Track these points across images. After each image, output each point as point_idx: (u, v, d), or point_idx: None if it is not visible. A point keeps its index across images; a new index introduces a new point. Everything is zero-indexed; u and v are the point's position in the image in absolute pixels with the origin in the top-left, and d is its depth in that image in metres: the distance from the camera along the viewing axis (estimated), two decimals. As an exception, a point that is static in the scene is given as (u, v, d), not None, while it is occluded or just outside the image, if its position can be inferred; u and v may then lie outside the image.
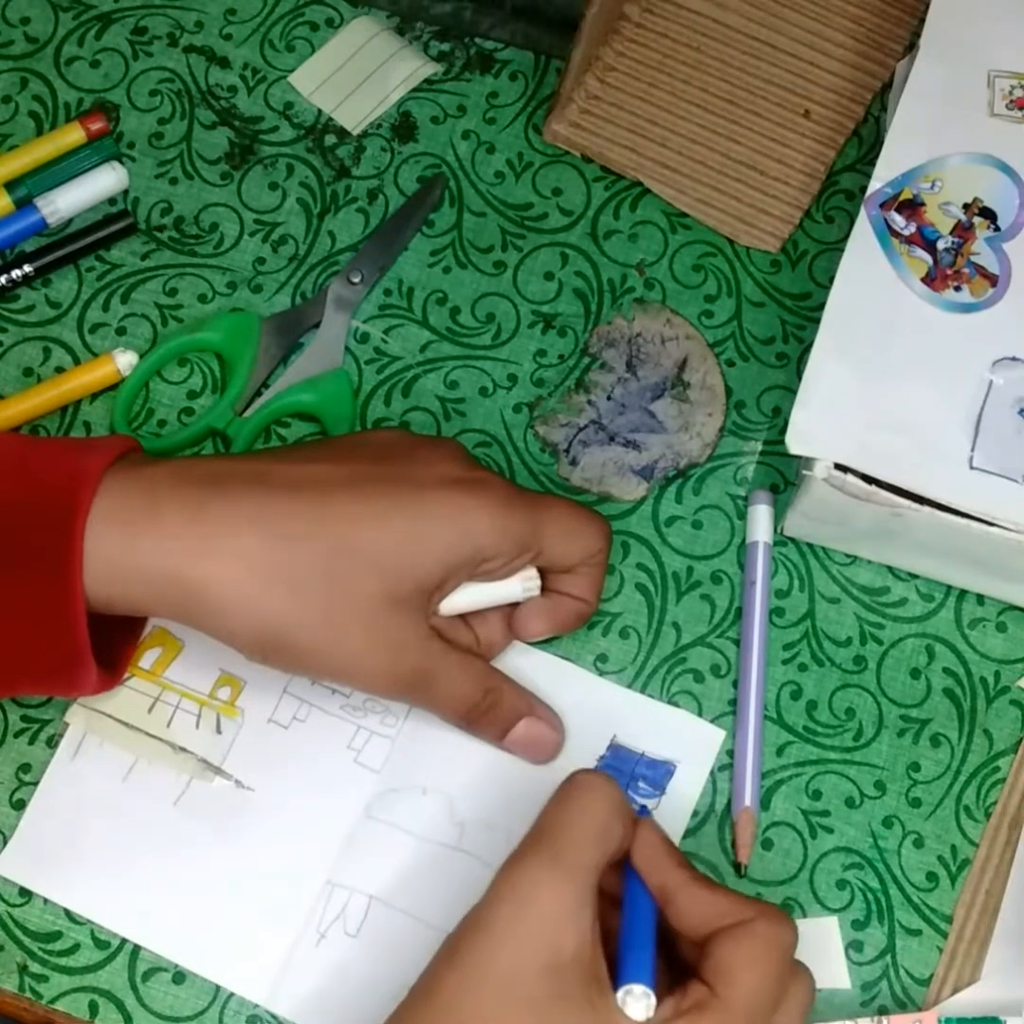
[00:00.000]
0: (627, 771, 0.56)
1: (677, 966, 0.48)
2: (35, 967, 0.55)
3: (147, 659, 0.58)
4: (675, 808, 0.56)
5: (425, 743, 0.57)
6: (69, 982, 0.55)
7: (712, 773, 0.57)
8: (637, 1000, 0.45)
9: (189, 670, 0.58)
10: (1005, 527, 0.53)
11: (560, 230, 0.65)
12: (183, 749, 0.57)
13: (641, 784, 0.56)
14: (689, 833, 0.56)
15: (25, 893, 0.55)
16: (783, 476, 0.61)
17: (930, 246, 0.58)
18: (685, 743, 0.57)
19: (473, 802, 0.56)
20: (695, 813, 0.56)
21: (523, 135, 0.66)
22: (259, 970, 0.54)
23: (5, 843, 0.56)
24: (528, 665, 0.57)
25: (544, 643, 0.58)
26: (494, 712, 0.55)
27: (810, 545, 0.60)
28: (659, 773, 0.56)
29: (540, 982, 0.45)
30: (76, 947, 0.55)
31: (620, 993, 0.45)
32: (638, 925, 0.48)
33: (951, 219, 0.58)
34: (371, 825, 0.56)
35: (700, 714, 0.58)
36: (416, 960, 0.48)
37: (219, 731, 0.57)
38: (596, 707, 0.57)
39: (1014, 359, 0.56)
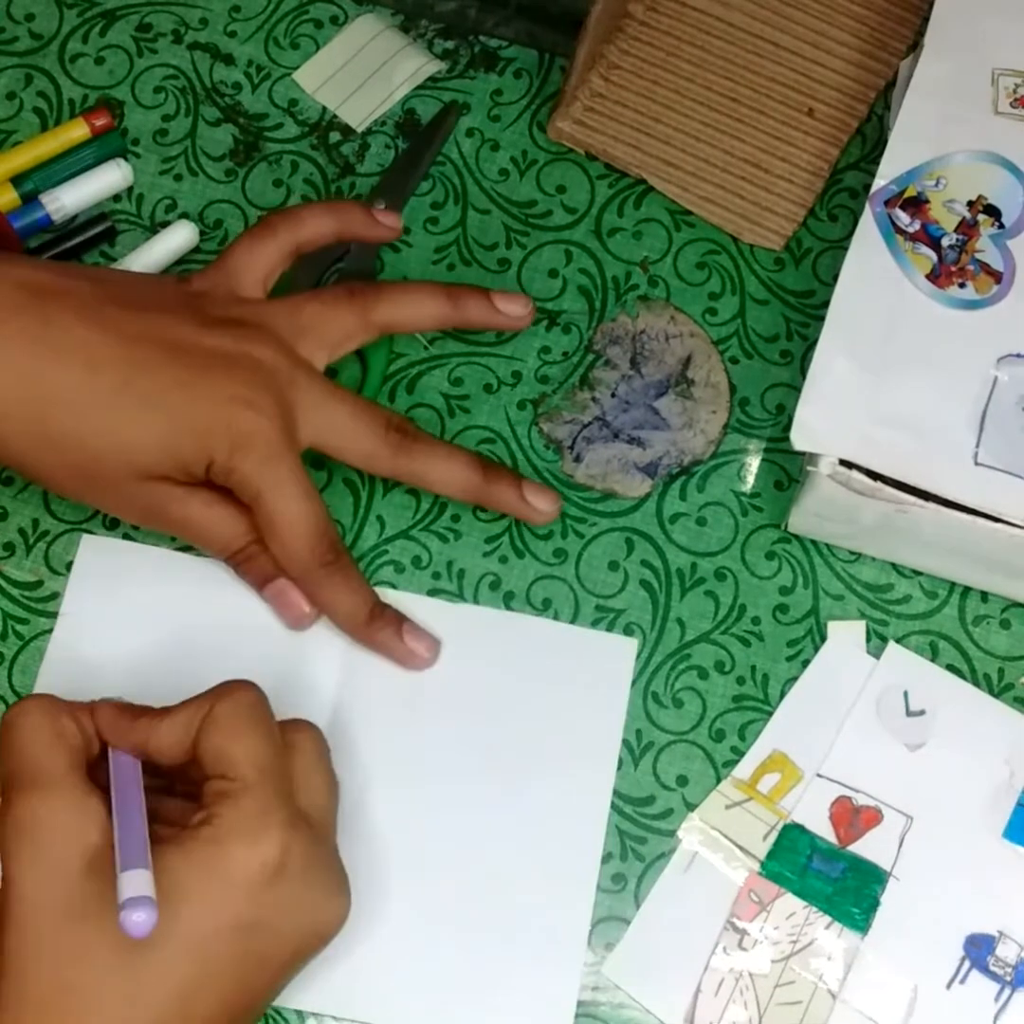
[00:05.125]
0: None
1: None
2: None
3: (765, 784, 0.56)
4: None
5: None
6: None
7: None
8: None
9: (805, 801, 0.56)
10: (1010, 523, 0.54)
11: (564, 227, 0.65)
12: None
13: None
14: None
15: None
16: (787, 473, 0.61)
17: (935, 243, 0.58)
18: None
19: None
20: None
21: (527, 133, 0.66)
22: None
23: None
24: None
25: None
26: (253, 561, 0.57)
27: (814, 542, 0.60)
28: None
29: (86, 885, 0.47)
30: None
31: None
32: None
33: (956, 216, 0.58)
34: None
35: (704, 712, 0.58)
36: None
37: None
38: None
39: (1019, 356, 0.56)
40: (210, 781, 0.49)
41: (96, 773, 0.50)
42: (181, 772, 0.51)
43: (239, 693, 0.50)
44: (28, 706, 0.50)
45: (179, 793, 0.52)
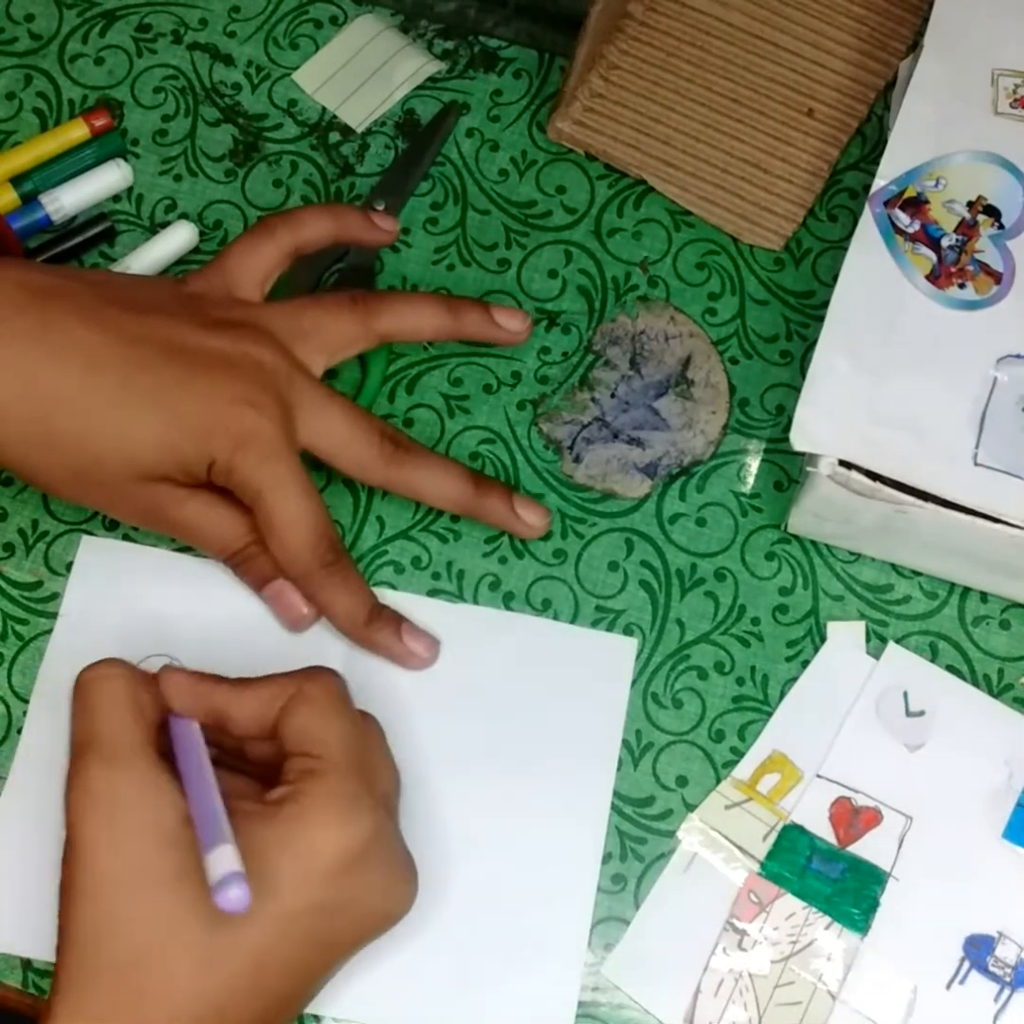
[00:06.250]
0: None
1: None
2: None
3: (765, 784, 0.56)
4: None
5: None
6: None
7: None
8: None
9: (805, 802, 0.56)
10: (1009, 524, 0.54)
11: (564, 228, 0.65)
12: None
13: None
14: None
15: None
16: (787, 474, 0.61)
17: (934, 244, 0.58)
18: None
19: None
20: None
21: (527, 133, 0.66)
22: None
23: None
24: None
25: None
26: (252, 562, 0.57)
27: (814, 542, 0.60)
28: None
29: (162, 858, 0.47)
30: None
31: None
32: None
33: (955, 217, 0.58)
34: None
35: (703, 712, 0.58)
36: None
37: None
38: None
39: (1018, 356, 0.56)
40: (293, 758, 0.49)
41: (156, 742, 0.50)
42: (241, 748, 0.52)
43: (328, 677, 0.51)
44: (110, 672, 0.51)
45: (239, 768, 0.52)
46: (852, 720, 0.57)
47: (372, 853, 0.48)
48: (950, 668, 0.58)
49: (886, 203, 0.58)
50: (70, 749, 0.49)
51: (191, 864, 0.46)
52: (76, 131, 0.65)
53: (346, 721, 0.50)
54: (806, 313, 0.63)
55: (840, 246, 0.63)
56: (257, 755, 0.52)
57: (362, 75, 0.67)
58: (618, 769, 0.57)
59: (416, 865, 0.51)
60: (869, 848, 0.55)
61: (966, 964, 0.54)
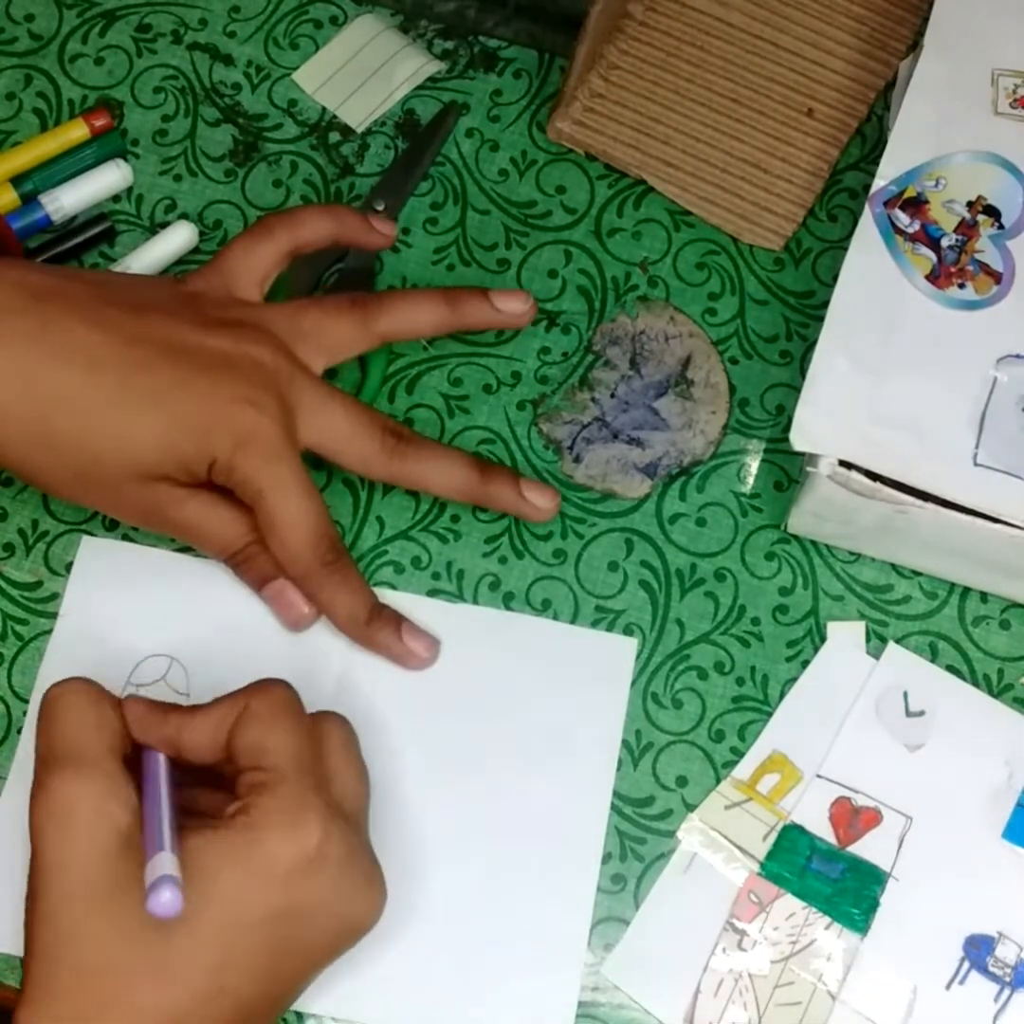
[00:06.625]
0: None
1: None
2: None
3: (765, 785, 0.56)
4: None
5: None
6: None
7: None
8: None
9: (805, 802, 0.56)
10: (1009, 524, 0.54)
11: (564, 228, 0.65)
12: None
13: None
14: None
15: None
16: (787, 474, 0.61)
17: (934, 244, 0.58)
18: None
19: None
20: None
21: (527, 133, 0.66)
22: None
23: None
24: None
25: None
26: (252, 562, 0.57)
27: (814, 542, 0.60)
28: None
29: (117, 866, 0.47)
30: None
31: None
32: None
33: (955, 217, 0.58)
34: None
35: (703, 712, 0.58)
36: None
37: None
38: None
39: (1018, 356, 0.56)
40: (245, 773, 0.49)
41: (131, 769, 0.50)
42: (211, 771, 0.52)
43: (274, 689, 0.51)
44: (72, 687, 0.51)
45: (211, 788, 0.52)
46: (852, 720, 0.57)
47: (327, 859, 0.48)
48: (950, 668, 0.58)
49: (886, 203, 0.58)
50: (35, 765, 0.49)
51: (141, 874, 0.46)
52: (76, 131, 0.65)
53: (294, 731, 0.50)
54: (806, 313, 0.63)
55: (840, 246, 0.63)
56: (230, 774, 0.52)
57: (362, 75, 0.67)
58: (618, 769, 0.57)
59: (383, 872, 0.51)
60: (869, 848, 0.55)
61: (966, 964, 0.54)
